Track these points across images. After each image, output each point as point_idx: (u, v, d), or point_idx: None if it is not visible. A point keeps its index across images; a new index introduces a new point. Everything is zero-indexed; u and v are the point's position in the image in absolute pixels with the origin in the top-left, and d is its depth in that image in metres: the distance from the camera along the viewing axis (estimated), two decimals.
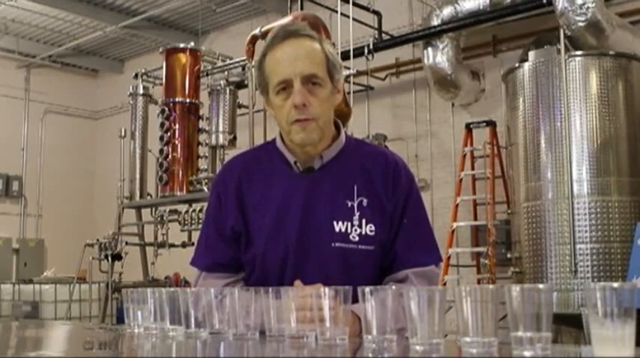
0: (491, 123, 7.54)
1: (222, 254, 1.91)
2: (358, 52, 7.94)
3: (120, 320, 6.98)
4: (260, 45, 7.15)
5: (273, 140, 1.97)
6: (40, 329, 2.43)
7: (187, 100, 7.83)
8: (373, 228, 1.82)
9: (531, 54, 6.35)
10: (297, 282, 1.72)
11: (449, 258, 7.33)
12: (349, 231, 1.81)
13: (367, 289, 1.29)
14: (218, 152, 7.76)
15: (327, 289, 1.36)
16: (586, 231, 5.77)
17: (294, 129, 1.80)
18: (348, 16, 7.68)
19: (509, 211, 6.78)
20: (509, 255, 6.62)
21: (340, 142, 1.92)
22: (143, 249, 8.23)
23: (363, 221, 1.82)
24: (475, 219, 7.62)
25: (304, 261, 1.80)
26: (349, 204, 1.83)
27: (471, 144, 7.67)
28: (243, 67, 7.85)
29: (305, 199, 1.84)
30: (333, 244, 1.80)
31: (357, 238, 1.81)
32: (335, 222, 1.81)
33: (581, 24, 6.32)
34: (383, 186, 1.86)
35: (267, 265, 1.84)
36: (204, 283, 1.91)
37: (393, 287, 1.31)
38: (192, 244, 7.52)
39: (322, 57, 1.83)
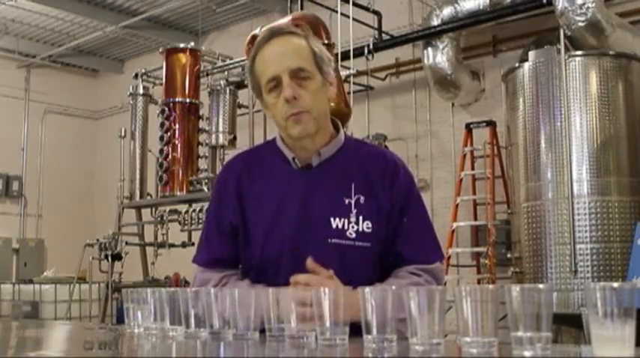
0: (491, 123, 7.54)
1: (221, 250, 1.94)
2: (358, 52, 7.94)
3: (120, 320, 6.98)
4: None
5: (274, 139, 1.99)
6: (40, 329, 2.43)
7: (187, 100, 7.82)
8: (370, 225, 1.83)
9: (531, 54, 6.35)
10: (309, 261, 1.73)
11: (449, 258, 7.33)
12: (346, 227, 1.82)
13: (367, 288, 1.29)
14: (218, 152, 7.75)
15: (326, 289, 1.36)
16: (586, 231, 5.77)
17: (289, 124, 1.83)
18: (348, 16, 7.68)
19: (509, 211, 6.78)
20: (509, 255, 6.62)
21: (339, 141, 1.94)
22: (143, 249, 8.22)
23: (360, 218, 1.83)
24: (475, 219, 7.62)
25: (301, 258, 1.81)
26: (346, 201, 1.85)
27: (471, 144, 7.67)
28: (243, 67, 7.84)
29: (302, 195, 1.86)
30: (329, 240, 1.82)
31: (353, 235, 1.82)
32: (332, 219, 1.83)
33: (581, 24, 6.32)
34: (381, 185, 1.88)
35: (265, 261, 1.86)
36: (201, 277, 1.94)
37: (393, 287, 1.31)
38: (193, 244, 7.53)
39: (308, 51, 1.86)
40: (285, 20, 6.36)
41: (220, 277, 1.91)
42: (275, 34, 1.87)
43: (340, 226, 1.82)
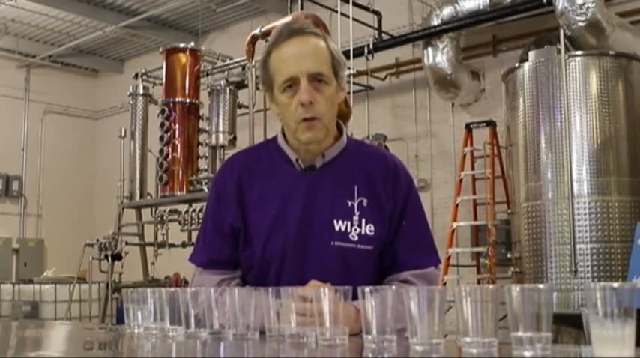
0: (491, 123, 7.54)
1: (219, 251, 1.91)
2: (358, 52, 7.94)
3: (120, 320, 6.98)
4: (260, 45, 7.17)
5: (274, 138, 1.96)
6: (40, 329, 2.42)
7: (187, 100, 7.83)
8: (373, 229, 1.83)
9: (531, 54, 6.35)
10: (313, 282, 1.71)
11: (449, 258, 7.33)
12: (349, 230, 1.82)
13: (367, 289, 1.29)
14: (218, 152, 7.75)
15: (326, 290, 1.36)
16: (586, 231, 5.77)
17: (300, 129, 1.80)
18: (348, 16, 7.68)
19: (509, 211, 6.78)
20: (509, 255, 6.62)
21: (342, 142, 1.93)
22: (143, 249, 8.23)
23: (363, 221, 1.82)
24: (475, 219, 7.61)
25: (302, 260, 1.80)
26: (349, 203, 1.83)
27: (471, 144, 7.67)
28: (243, 67, 7.84)
29: (305, 197, 1.85)
30: (332, 243, 1.81)
31: (356, 238, 1.81)
32: (335, 221, 1.82)
33: (581, 24, 6.32)
34: (383, 188, 1.87)
35: (266, 263, 1.84)
36: (200, 279, 1.91)
37: (394, 287, 1.31)
38: (192, 244, 7.52)
39: (327, 54, 1.83)
40: (289, 18, 6.36)
41: (218, 281, 1.87)
42: (296, 32, 1.82)
43: (343, 229, 1.81)
